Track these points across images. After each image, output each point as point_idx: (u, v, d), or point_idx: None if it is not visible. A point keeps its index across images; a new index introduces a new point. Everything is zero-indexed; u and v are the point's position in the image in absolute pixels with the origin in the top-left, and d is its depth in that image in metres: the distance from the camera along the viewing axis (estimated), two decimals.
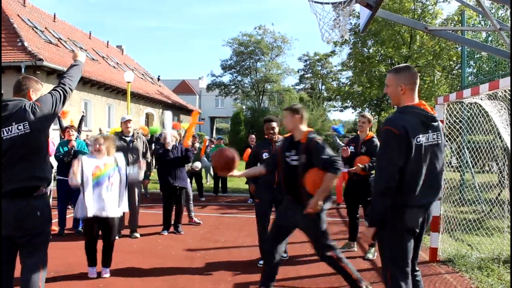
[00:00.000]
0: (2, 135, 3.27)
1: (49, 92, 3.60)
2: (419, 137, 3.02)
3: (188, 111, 41.37)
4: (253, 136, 12.20)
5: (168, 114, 7.79)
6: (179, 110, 38.23)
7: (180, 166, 7.43)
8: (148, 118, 31.88)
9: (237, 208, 10.63)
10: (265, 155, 5.62)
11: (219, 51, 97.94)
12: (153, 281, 5.12)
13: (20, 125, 3.30)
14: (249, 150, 11.15)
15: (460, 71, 13.89)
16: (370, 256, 6.21)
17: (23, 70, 17.43)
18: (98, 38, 32.58)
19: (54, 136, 8.01)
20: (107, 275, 5.24)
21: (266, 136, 5.80)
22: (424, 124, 3.08)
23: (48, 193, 4.92)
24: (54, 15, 26.81)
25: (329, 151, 4.16)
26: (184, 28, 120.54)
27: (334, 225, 8.39)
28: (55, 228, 7.47)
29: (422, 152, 3.04)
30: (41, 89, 3.75)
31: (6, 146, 3.26)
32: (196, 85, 57.70)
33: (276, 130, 5.76)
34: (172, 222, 7.65)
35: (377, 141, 6.16)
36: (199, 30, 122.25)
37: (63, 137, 7.35)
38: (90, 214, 4.89)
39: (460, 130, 7.74)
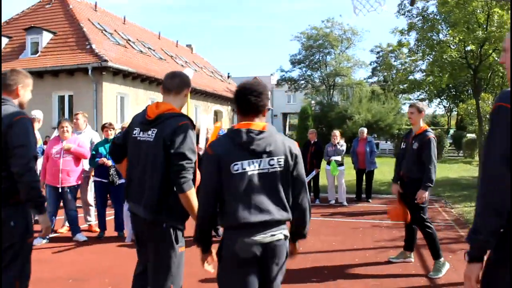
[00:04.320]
0: None
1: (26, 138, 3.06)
2: None
3: None
4: (314, 130, 11.14)
5: (204, 118, 7.26)
6: None
7: None
8: (217, 115, 32.05)
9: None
10: None
11: (288, 46, 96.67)
12: None
13: None
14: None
15: None
16: (436, 274, 5.11)
17: (89, 71, 18.00)
18: (167, 38, 33.23)
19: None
20: None
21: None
22: None
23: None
24: (124, 18, 27.63)
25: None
26: (257, 25, 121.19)
27: (386, 229, 7.52)
28: (96, 229, 7.32)
29: None
30: (30, 84, 3.37)
31: None
32: (267, 82, 57.39)
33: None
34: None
35: (430, 135, 5.23)
36: (271, 27, 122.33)
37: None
38: None
39: None
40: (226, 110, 32.94)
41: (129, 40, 24.55)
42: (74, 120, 7.70)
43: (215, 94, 29.71)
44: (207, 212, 2.52)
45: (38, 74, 19.06)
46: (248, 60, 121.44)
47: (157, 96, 22.68)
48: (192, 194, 2.85)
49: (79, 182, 6.94)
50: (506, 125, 1.87)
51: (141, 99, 21.29)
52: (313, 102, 38.63)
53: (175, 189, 2.86)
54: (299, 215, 2.58)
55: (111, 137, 6.92)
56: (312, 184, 10.52)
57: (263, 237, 2.40)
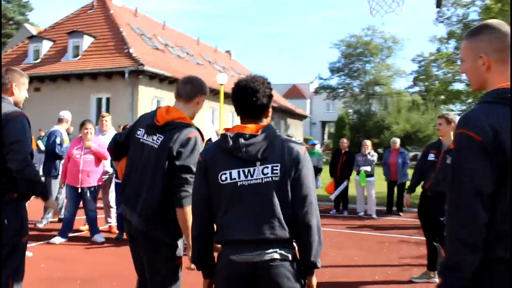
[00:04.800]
0: None
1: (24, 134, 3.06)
2: None
3: (295, 115, 40.98)
4: (345, 140, 10.78)
5: (207, 116, 6.90)
6: (286, 114, 37.97)
7: None
8: None
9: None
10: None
11: (328, 54, 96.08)
12: None
13: None
14: (333, 184, 10.25)
15: None
16: (419, 279, 5.33)
17: (126, 75, 18.30)
18: (206, 43, 33.51)
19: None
20: None
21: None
22: None
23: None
24: (164, 23, 28.07)
25: None
26: (298, 33, 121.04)
27: (415, 245, 7.09)
28: (116, 231, 7.29)
29: None
30: (26, 83, 3.36)
31: None
32: (307, 89, 57.10)
33: None
34: None
35: None
36: (313, 35, 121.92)
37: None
38: None
39: None
40: None
41: (168, 44, 24.88)
42: (104, 121, 7.74)
43: None
44: (201, 226, 2.21)
45: (77, 77, 19.60)
46: (288, 67, 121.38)
47: None
48: (190, 211, 2.58)
49: (100, 183, 6.93)
50: (473, 156, 1.73)
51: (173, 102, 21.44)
52: (350, 110, 38.03)
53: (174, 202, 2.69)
54: (302, 235, 2.11)
55: None
56: (341, 195, 10.21)
57: (252, 256, 2.06)
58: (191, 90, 2.94)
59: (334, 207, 10.46)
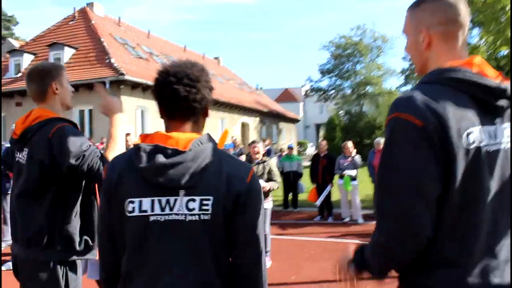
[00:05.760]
0: None
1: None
2: (472, 133, 1.33)
3: (287, 119, 40.60)
4: (324, 143, 10.35)
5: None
6: (277, 118, 37.61)
7: None
8: (245, 127, 31.57)
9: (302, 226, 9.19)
10: None
11: (318, 56, 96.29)
12: None
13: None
14: (314, 190, 9.78)
15: None
16: None
17: (107, 85, 17.88)
18: (193, 51, 33.13)
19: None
20: None
21: None
22: (482, 105, 1.39)
23: None
24: (149, 32, 27.68)
25: None
26: (288, 38, 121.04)
27: None
28: None
29: (481, 164, 1.35)
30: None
31: None
32: (299, 93, 56.85)
33: None
34: None
35: None
36: (303, 39, 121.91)
37: None
38: None
39: None
40: (253, 122, 32.44)
41: (152, 53, 24.48)
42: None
43: (242, 106, 29.26)
44: (107, 265, 1.61)
45: None
46: (280, 72, 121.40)
47: None
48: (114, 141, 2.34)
49: None
50: (412, 148, 1.33)
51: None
52: (341, 112, 37.65)
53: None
54: None
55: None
56: (325, 200, 9.76)
57: None
58: (37, 85, 2.39)
59: (318, 213, 10.00)
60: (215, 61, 36.82)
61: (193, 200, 1.45)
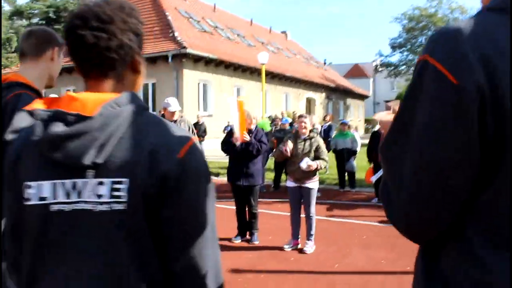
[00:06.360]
0: None
1: None
2: None
3: (356, 95, 39.25)
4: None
5: (232, 101, 6.10)
6: (345, 94, 36.47)
7: (248, 161, 5.91)
8: (310, 103, 30.83)
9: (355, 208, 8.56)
10: None
11: (390, 29, 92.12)
12: None
13: None
14: (371, 170, 8.99)
15: None
16: None
17: (169, 59, 17.92)
18: (260, 24, 32.61)
19: None
20: None
21: None
22: None
23: None
24: (214, 6, 27.50)
25: None
26: (358, 12, 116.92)
27: None
28: None
29: None
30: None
31: None
32: (369, 68, 54.75)
33: None
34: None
35: None
36: (374, 13, 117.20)
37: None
38: None
39: None
40: (319, 98, 31.60)
41: (217, 27, 24.28)
42: None
43: (307, 81, 28.52)
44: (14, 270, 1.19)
45: None
46: (350, 46, 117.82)
47: (243, 83, 22.15)
48: None
49: None
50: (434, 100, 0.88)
51: (225, 86, 20.91)
52: None
53: None
54: None
55: None
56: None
57: None
58: (39, 42, 2.07)
59: (375, 194, 9.27)
60: (282, 35, 36.14)
61: (102, 184, 1.03)
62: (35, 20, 39.29)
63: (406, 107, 0.96)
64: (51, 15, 38.40)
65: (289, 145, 5.54)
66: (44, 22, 38.80)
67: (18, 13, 37.81)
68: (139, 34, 1.14)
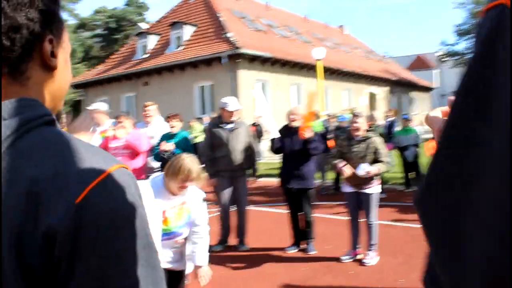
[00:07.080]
0: None
1: None
2: None
3: (420, 88, 37.44)
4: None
5: (257, 93, 5.56)
6: (408, 87, 34.83)
7: (302, 162, 5.39)
8: (372, 98, 29.64)
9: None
10: None
11: (453, 16, 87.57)
12: None
13: None
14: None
15: None
16: None
17: (223, 60, 17.74)
18: (315, 20, 31.87)
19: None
20: None
21: None
22: None
23: None
24: (266, 4, 27.17)
25: None
26: (417, 1, 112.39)
27: None
28: None
29: None
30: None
31: None
32: (432, 59, 52.21)
33: None
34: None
35: None
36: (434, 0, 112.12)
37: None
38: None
39: None
40: (382, 92, 30.33)
41: (272, 25, 23.87)
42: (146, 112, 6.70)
43: (368, 75, 27.44)
44: None
45: (180, 67, 19.54)
46: (410, 38, 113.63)
47: (301, 81, 21.56)
48: None
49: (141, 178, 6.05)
50: None
51: (282, 84, 20.43)
52: None
53: None
54: None
55: (176, 130, 5.95)
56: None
57: None
58: None
59: None
60: (339, 29, 35.12)
61: None
62: (97, 31, 40.81)
63: (474, 85, 0.45)
64: (112, 25, 39.70)
65: (346, 171, 4.91)
66: (106, 32, 40.25)
67: (82, 25, 39.42)
68: (50, 11, 0.69)
